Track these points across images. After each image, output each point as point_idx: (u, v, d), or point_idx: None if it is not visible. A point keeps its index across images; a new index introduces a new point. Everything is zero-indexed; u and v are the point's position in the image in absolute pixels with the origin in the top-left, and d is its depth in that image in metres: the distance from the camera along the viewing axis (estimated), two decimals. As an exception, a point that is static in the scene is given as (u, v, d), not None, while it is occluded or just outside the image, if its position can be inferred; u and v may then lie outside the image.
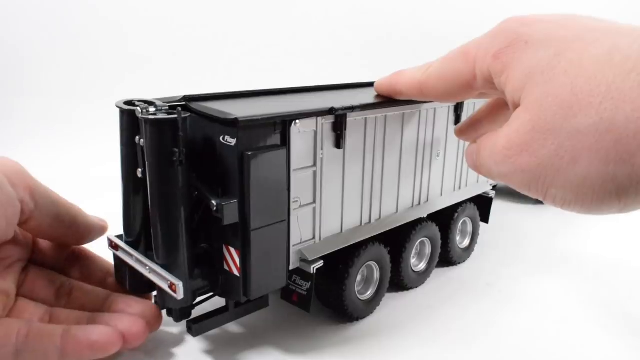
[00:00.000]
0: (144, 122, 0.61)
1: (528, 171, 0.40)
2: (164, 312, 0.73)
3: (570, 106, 0.36)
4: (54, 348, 0.61)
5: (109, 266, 0.77)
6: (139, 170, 0.65)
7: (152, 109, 0.62)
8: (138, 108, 0.62)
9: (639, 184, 0.34)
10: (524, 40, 0.42)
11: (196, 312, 0.73)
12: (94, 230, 0.74)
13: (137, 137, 0.64)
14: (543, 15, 0.44)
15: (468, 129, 0.67)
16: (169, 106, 0.65)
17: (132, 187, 0.69)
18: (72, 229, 0.70)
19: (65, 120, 2.08)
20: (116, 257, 0.73)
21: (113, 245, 0.72)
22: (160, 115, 0.61)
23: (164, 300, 0.69)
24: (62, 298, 0.71)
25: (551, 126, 0.37)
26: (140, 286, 0.73)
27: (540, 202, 1.54)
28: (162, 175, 0.62)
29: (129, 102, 0.67)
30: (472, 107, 0.98)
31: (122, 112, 0.66)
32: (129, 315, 0.68)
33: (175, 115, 0.60)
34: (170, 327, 0.80)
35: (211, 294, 0.72)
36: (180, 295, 0.62)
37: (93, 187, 1.30)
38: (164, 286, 0.64)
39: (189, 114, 0.63)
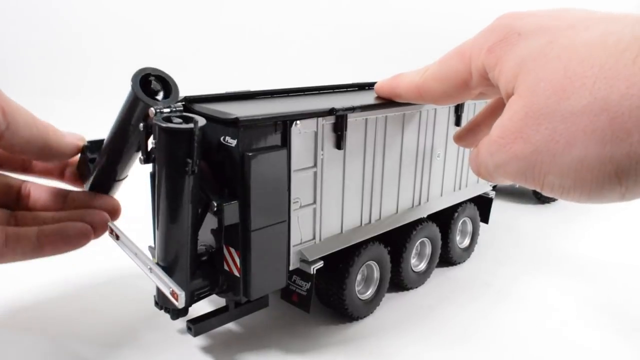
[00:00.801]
0: (159, 130, 0.58)
1: (523, 158, 0.39)
2: (162, 311, 0.73)
3: (563, 89, 0.35)
4: (32, 247, 0.65)
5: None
6: (140, 157, 0.64)
7: (166, 110, 0.60)
8: (152, 109, 0.59)
9: (638, 163, 0.33)
10: (516, 33, 0.42)
11: (196, 312, 0.73)
12: (67, 151, 0.72)
13: (142, 124, 0.62)
14: (536, 10, 0.44)
15: (467, 135, 0.67)
16: (183, 106, 0.62)
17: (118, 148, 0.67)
18: (44, 151, 0.69)
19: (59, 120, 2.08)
20: (82, 158, 0.72)
21: (114, 235, 0.71)
22: (176, 122, 0.58)
23: (162, 299, 0.69)
24: (23, 201, 0.73)
25: (544, 110, 0.36)
26: (99, 189, 0.73)
27: (540, 202, 1.54)
28: (173, 184, 0.61)
29: (146, 77, 0.61)
30: (473, 107, 0.98)
31: (137, 100, 0.61)
32: (92, 210, 0.71)
33: (192, 126, 0.58)
34: (170, 327, 0.80)
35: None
36: (181, 304, 0.61)
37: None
38: (166, 292, 0.63)
39: (205, 122, 0.61)
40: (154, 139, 0.61)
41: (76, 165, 0.75)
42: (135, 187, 0.83)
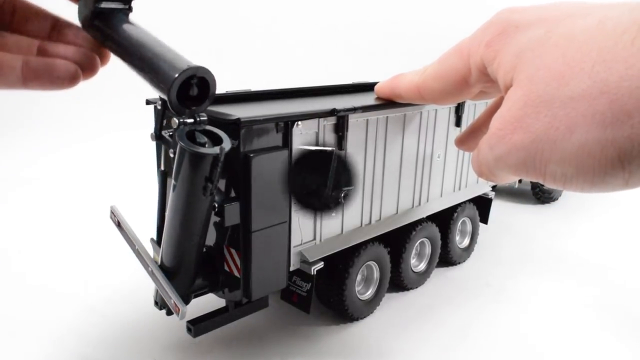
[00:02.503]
0: (181, 149, 0.55)
1: (523, 148, 0.39)
2: (161, 311, 0.73)
3: (562, 75, 0.35)
4: (16, 78, 0.62)
5: None
6: (152, 134, 0.61)
7: (189, 120, 0.51)
8: (175, 119, 0.53)
9: None
10: (514, 26, 0.42)
11: (196, 312, 0.73)
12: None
13: (159, 101, 0.58)
14: (535, 4, 0.44)
15: (468, 138, 0.66)
16: (208, 118, 0.55)
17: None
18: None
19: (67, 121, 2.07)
20: None
21: (115, 220, 0.70)
22: (200, 141, 0.55)
23: (161, 298, 0.69)
24: (5, 17, 0.69)
25: (543, 98, 0.36)
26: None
27: (539, 202, 1.54)
28: (189, 202, 0.59)
29: (189, 80, 0.47)
30: (473, 108, 0.98)
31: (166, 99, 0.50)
32: (83, 49, 0.67)
33: (218, 152, 0.54)
34: (170, 327, 0.80)
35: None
36: (182, 317, 0.61)
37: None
38: (168, 301, 0.63)
39: (230, 145, 0.58)
40: (175, 149, 0.57)
41: None
42: (138, 186, 0.83)
